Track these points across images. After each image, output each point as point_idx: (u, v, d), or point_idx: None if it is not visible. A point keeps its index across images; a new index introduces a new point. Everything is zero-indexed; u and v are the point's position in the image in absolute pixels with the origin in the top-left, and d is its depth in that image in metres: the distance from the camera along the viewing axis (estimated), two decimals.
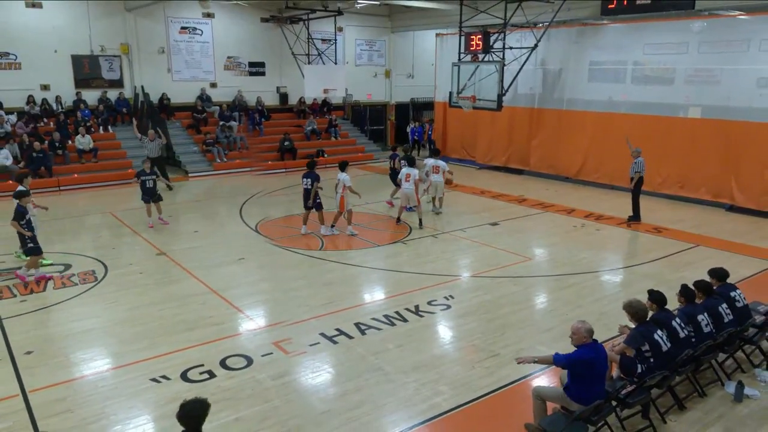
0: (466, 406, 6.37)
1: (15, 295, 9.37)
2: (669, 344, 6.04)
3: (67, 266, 10.72)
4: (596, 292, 9.77)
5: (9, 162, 17.07)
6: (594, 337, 5.52)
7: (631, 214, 14.16)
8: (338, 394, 6.62)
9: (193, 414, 4.35)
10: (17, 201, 9.98)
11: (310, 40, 23.18)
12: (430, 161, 14.61)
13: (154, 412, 6.24)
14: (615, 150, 16.70)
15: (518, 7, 16.64)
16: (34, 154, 17.34)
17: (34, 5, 18.95)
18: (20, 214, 9.77)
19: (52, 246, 11.96)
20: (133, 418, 6.12)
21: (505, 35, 17.36)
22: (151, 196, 13.20)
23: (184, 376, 6.90)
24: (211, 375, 6.95)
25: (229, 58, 23.09)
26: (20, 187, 10.66)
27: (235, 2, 21.83)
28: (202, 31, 22.28)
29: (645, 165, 13.79)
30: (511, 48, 17.75)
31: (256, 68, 23.83)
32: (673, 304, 6.77)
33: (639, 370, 5.97)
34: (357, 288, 10.13)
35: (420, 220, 13.44)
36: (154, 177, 13.30)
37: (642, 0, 15.91)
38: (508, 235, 13.13)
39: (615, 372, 6.34)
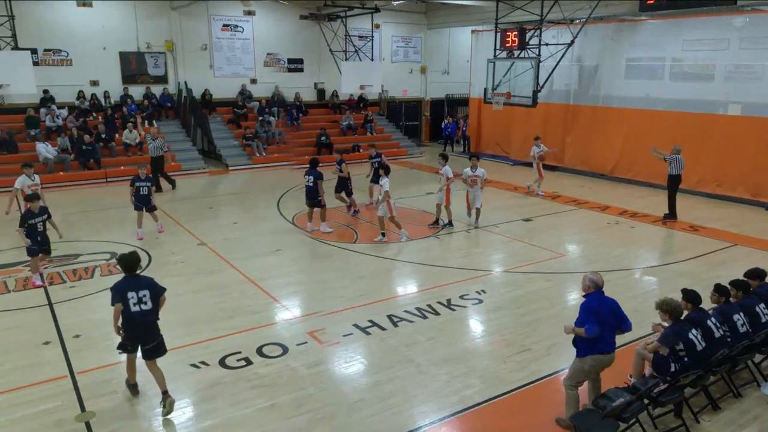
0: (496, 399, 6.33)
1: (65, 281, 9.67)
2: (704, 344, 5.89)
3: (113, 254, 11.00)
4: (629, 289, 9.56)
5: (52, 155, 17.61)
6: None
7: (667, 212, 13.82)
8: (371, 384, 6.65)
9: (132, 262, 6.03)
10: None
11: (348, 37, 23.23)
12: (468, 171, 12.84)
13: (194, 396, 6.37)
14: (651, 147, 16.33)
15: (555, 3, 16.36)
16: (84, 147, 17.86)
17: (84, 4, 19.47)
18: (23, 219, 9.13)
19: (99, 235, 12.31)
20: (174, 402, 6.25)
21: (541, 32, 17.10)
22: (144, 204, 12.00)
23: (222, 363, 7.03)
24: (248, 362, 7.05)
25: (268, 54, 23.32)
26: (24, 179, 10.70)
27: (275, 0, 22.02)
28: (243, 29, 22.54)
29: (684, 163, 13.45)
30: (547, 44, 17.48)
31: (295, 65, 24.01)
32: (708, 303, 6.59)
33: (672, 369, 5.83)
34: (390, 281, 10.14)
35: (446, 220, 12.88)
36: (148, 184, 12.04)
37: None
38: (540, 231, 12.95)
39: (648, 370, 6.22)
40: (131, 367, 6.31)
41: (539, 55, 17.16)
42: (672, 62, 16.95)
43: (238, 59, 22.69)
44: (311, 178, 12.32)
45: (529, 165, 21.02)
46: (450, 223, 12.91)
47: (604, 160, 18.83)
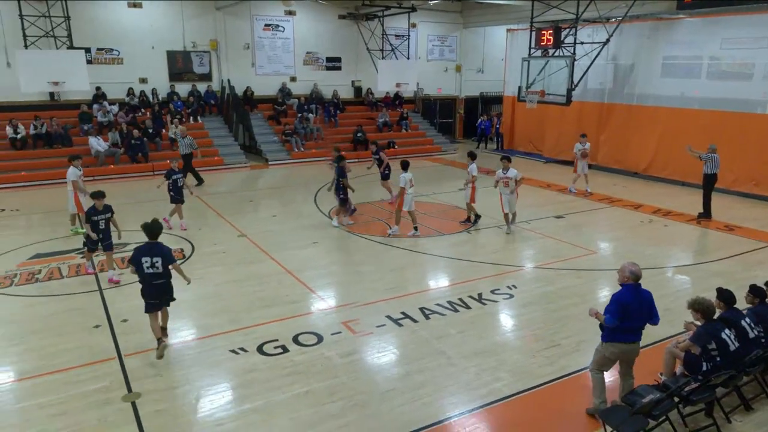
0: (525, 393, 6.27)
1: (114, 269, 9.89)
2: (737, 344, 5.72)
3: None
4: (662, 288, 9.32)
5: (103, 148, 18.09)
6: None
7: (701, 210, 13.44)
8: (402, 374, 6.66)
9: (153, 230, 6.88)
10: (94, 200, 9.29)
11: (385, 36, 23.22)
12: (500, 173, 11.97)
13: (232, 381, 6.50)
14: (686, 146, 15.88)
15: (591, 2, 16.02)
16: (133, 141, 18.31)
17: (135, 5, 19.93)
18: (87, 215, 9.24)
19: None
20: (213, 386, 6.39)
21: (576, 30, 16.78)
22: (181, 195, 12.33)
23: (260, 350, 7.14)
24: (285, 350, 7.15)
25: (308, 53, 23.48)
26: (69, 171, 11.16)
27: (315, 0, 22.14)
28: (284, 28, 22.75)
29: (719, 162, 13.07)
30: (582, 43, 17.15)
31: (333, 63, 24.12)
32: (743, 304, 6.39)
33: (704, 368, 5.69)
34: (422, 274, 10.12)
35: (475, 216, 12.66)
36: (182, 176, 12.46)
37: None
38: (572, 228, 12.74)
39: (679, 368, 6.08)
40: (154, 325, 7.00)
41: (574, 53, 16.85)
42: (709, 61, 16.41)
43: (278, 58, 22.92)
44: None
45: (562, 162, 20.75)
46: (477, 216, 12.68)
47: (638, 158, 18.40)
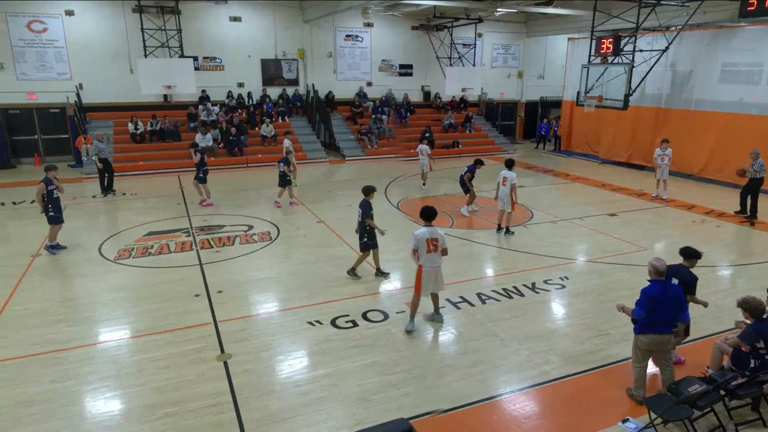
0: (573, 376, 6.08)
1: (212, 246, 10.41)
2: None
3: (250, 227, 11.70)
4: (711, 285, 8.76)
5: (211, 143, 18.86)
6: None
7: (738, 208, 12.58)
8: (458, 352, 6.62)
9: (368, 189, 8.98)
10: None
11: (453, 45, 22.93)
12: (503, 173, 11.06)
13: (309, 349, 6.67)
14: (743, 150, 14.72)
15: (651, 11, 15.13)
16: (231, 138, 19.02)
17: (235, 19, 20.63)
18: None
19: (240, 210, 13.10)
20: (293, 352, 6.58)
21: (636, 38, 15.92)
22: (283, 181, 13.31)
23: (333, 323, 7.29)
24: (355, 324, 7.26)
25: (383, 61, 23.53)
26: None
27: (391, 14, 22.13)
28: (362, 39, 22.89)
29: (766, 167, 12.14)
30: (641, 51, 16.26)
31: (405, 69, 24.06)
32: None
33: (752, 365, 5.31)
34: (480, 263, 9.98)
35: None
36: (282, 163, 13.26)
37: None
38: (625, 225, 12.16)
39: (726, 363, 5.70)
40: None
41: (633, 60, 15.99)
42: None
43: (357, 65, 23.12)
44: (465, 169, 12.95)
45: (617, 164, 19.81)
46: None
47: (693, 161, 17.28)
